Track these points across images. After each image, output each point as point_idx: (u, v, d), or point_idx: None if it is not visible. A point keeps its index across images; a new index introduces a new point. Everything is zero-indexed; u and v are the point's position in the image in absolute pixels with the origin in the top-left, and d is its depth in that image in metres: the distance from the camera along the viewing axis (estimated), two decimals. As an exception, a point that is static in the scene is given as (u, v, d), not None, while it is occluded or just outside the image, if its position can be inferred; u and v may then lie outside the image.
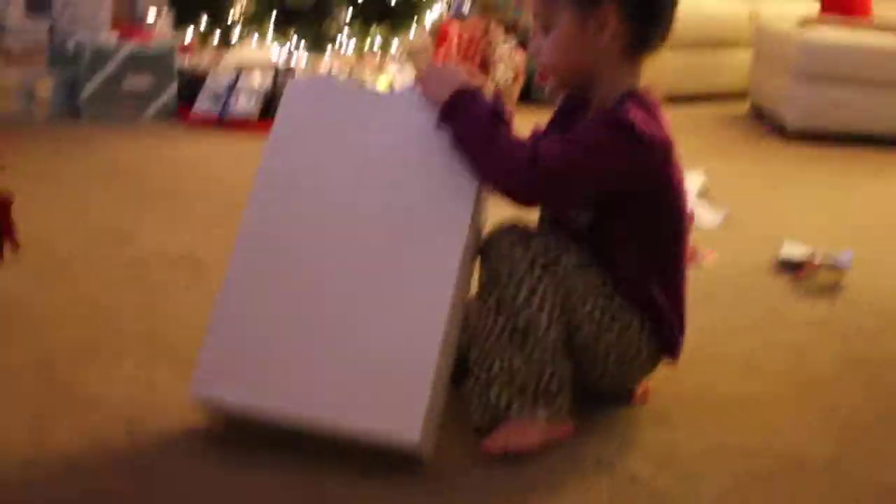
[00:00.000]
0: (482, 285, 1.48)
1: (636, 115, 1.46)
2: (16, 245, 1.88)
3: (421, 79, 1.51)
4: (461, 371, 1.53)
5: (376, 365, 1.39)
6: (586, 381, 1.57)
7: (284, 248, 1.47)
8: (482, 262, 1.48)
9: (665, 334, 1.58)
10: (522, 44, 4.80)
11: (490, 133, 1.42)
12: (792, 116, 4.33)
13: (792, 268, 2.40)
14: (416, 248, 1.43)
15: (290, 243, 1.47)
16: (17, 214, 2.12)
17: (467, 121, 1.43)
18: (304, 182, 1.49)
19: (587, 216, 1.54)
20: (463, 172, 1.45)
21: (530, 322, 1.44)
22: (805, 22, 4.55)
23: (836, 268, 2.37)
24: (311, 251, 1.46)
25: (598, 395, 1.62)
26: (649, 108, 1.50)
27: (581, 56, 1.52)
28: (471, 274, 1.50)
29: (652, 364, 1.60)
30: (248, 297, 1.45)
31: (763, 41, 4.86)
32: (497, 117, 1.44)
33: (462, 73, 1.49)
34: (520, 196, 1.46)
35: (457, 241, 1.42)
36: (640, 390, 1.65)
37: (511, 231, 1.47)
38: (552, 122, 1.68)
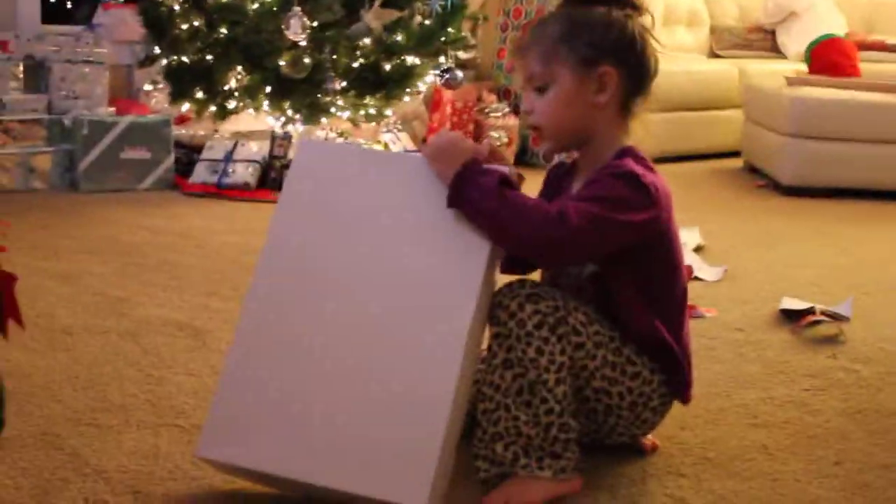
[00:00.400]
0: (491, 342, 1.48)
1: (637, 169, 1.49)
2: (21, 323, 1.89)
3: (427, 156, 1.49)
4: (469, 423, 1.53)
5: (385, 429, 1.37)
6: (600, 432, 1.58)
7: (293, 310, 1.46)
8: (490, 319, 1.48)
9: (675, 379, 1.59)
10: (515, 109, 4.87)
11: (507, 198, 1.41)
12: (785, 173, 4.38)
13: (792, 318, 2.41)
14: (426, 310, 1.42)
15: (299, 305, 1.46)
16: (18, 288, 2.12)
17: (480, 192, 1.42)
18: (314, 242, 1.48)
19: (591, 268, 1.56)
20: (474, 234, 1.44)
21: (538, 380, 1.44)
22: (793, 81, 4.61)
23: (836, 318, 2.38)
24: (320, 313, 1.44)
25: (608, 448, 1.62)
26: (645, 163, 1.53)
27: (578, 115, 1.55)
28: (482, 334, 1.51)
29: (664, 410, 1.61)
30: (256, 359, 1.44)
31: (753, 100, 4.93)
32: (506, 183, 1.44)
33: (463, 145, 1.48)
34: (550, 254, 1.46)
35: (468, 304, 1.41)
36: (648, 443, 1.66)
37: (520, 289, 1.47)
38: (541, 193, 1.70)
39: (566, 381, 1.46)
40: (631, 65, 1.55)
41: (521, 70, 1.59)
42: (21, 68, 4.11)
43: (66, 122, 3.92)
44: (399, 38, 3.97)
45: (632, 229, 1.47)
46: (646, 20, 1.57)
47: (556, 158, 1.74)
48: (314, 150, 1.60)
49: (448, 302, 1.41)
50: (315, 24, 3.77)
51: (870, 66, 5.36)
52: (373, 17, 3.85)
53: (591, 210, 1.43)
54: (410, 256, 1.45)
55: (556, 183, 1.69)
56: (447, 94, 4.71)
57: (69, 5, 5.27)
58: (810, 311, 2.40)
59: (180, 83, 3.97)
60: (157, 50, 4.01)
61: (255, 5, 3.82)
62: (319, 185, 1.52)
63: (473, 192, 1.42)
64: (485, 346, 1.53)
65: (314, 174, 1.53)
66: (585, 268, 1.57)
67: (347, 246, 1.47)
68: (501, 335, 1.46)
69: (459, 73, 4.11)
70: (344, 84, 3.94)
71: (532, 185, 1.68)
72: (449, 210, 1.45)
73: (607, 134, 1.57)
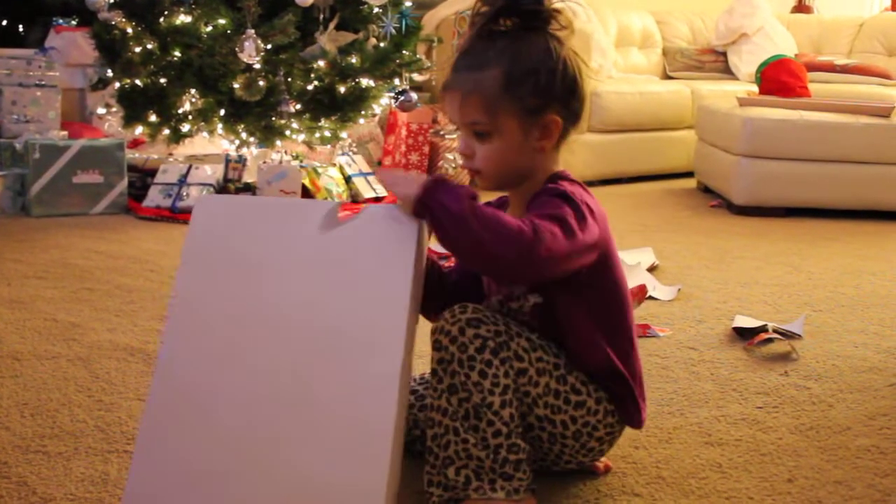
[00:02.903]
0: (434, 368, 1.47)
1: (575, 190, 1.49)
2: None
3: (386, 183, 1.46)
4: (420, 449, 1.52)
5: (325, 480, 1.32)
6: (546, 459, 1.58)
7: (208, 369, 1.38)
8: (433, 344, 1.46)
9: (626, 406, 1.59)
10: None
11: (481, 211, 1.36)
12: (737, 192, 4.43)
13: (745, 336, 2.43)
14: (351, 357, 1.36)
15: (213, 362, 1.39)
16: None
17: (453, 202, 1.35)
18: (223, 297, 1.41)
19: (533, 299, 1.55)
20: (392, 267, 1.38)
21: (483, 403, 1.43)
22: (744, 101, 4.67)
23: (788, 336, 2.40)
24: (237, 370, 1.37)
25: (561, 471, 1.62)
26: (578, 184, 1.53)
27: (521, 161, 1.52)
28: (411, 365, 1.47)
29: (610, 439, 1.60)
30: (172, 426, 1.36)
31: (705, 121, 4.99)
32: (474, 198, 1.39)
33: (419, 176, 1.43)
34: (524, 271, 1.40)
35: (396, 345, 1.36)
36: (601, 465, 1.66)
37: (461, 313, 1.46)
38: None
39: (512, 403, 1.45)
40: (572, 107, 1.53)
41: (457, 112, 1.51)
42: (-29, 92, 4.08)
43: (18, 146, 3.88)
44: (354, 60, 3.97)
45: (587, 247, 1.45)
46: (573, 39, 1.53)
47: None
48: (212, 204, 1.50)
49: (375, 346, 1.36)
50: (269, 46, 3.77)
51: (819, 86, 5.46)
52: (327, 40, 3.85)
53: (554, 228, 1.39)
54: (329, 305, 1.38)
55: None
56: (402, 117, 4.72)
57: (21, 28, 5.23)
58: (763, 329, 2.42)
59: (134, 106, 3.95)
60: (109, 73, 3.99)
61: (209, 28, 3.81)
62: (222, 238, 1.45)
63: (446, 201, 1.36)
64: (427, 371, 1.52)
65: (215, 228, 1.46)
66: (527, 301, 1.56)
67: (259, 298, 1.40)
68: (444, 360, 1.44)
69: (414, 96, 4.12)
70: (299, 107, 3.93)
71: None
72: (364, 253, 1.40)
73: (541, 168, 1.55)
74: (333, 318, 1.38)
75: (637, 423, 1.62)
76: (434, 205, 1.36)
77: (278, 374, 1.37)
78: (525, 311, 1.56)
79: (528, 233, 1.35)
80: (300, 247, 1.42)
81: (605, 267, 1.53)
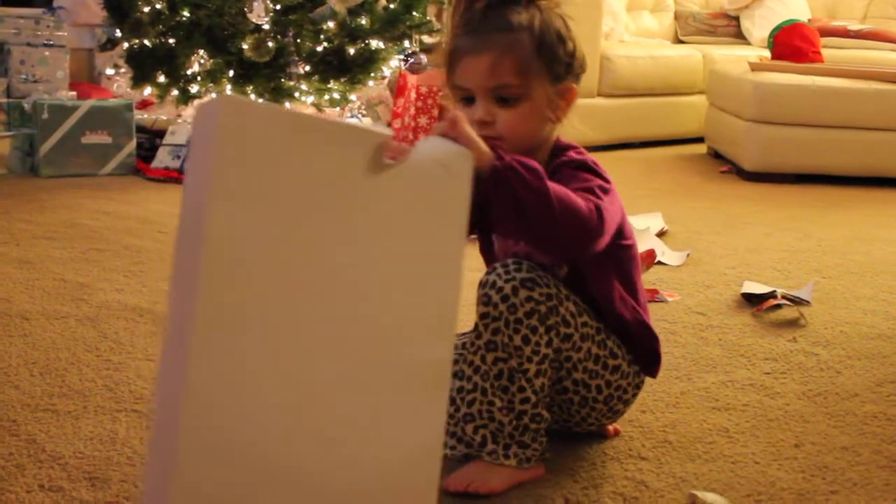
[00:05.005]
0: (478, 321, 1.43)
1: (591, 159, 1.49)
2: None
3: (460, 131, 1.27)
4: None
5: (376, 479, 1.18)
6: (570, 421, 1.59)
7: (250, 345, 1.08)
8: (481, 298, 1.42)
9: (648, 358, 1.59)
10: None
11: (555, 191, 1.30)
12: (748, 158, 4.41)
13: (753, 301, 2.43)
14: (403, 337, 1.17)
15: (255, 340, 1.09)
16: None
17: (527, 170, 1.29)
18: (263, 251, 1.07)
19: (563, 270, 1.53)
20: (445, 234, 1.19)
21: (519, 368, 1.43)
22: (756, 66, 4.63)
23: (797, 302, 2.39)
24: (283, 345, 1.10)
25: (569, 432, 1.62)
26: (581, 152, 1.53)
27: (542, 127, 1.50)
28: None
29: (633, 401, 1.62)
30: (216, 402, 1.06)
31: (717, 86, 4.95)
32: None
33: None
34: (583, 251, 1.39)
35: (450, 331, 1.20)
36: (610, 428, 1.66)
37: (516, 271, 1.42)
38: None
39: (546, 373, 1.45)
40: (580, 78, 1.53)
41: (484, 75, 1.43)
42: (-21, 51, 4.06)
43: (26, 106, 3.87)
44: (363, 21, 3.95)
45: (621, 213, 1.47)
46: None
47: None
48: (237, 110, 1.04)
49: (428, 328, 1.19)
50: (278, 7, 3.74)
51: (832, 51, 5.40)
52: (337, 1, 3.83)
53: (604, 205, 1.38)
54: (378, 273, 1.16)
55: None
56: (412, 79, 4.69)
57: (29, -13, 5.20)
58: (772, 295, 2.42)
59: (142, 67, 3.93)
60: (118, 33, 3.97)
61: (218, -12, 3.78)
62: (256, 164, 1.05)
63: (522, 167, 1.28)
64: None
65: (246, 149, 1.05)
66: (561, 271, 1.53)
67: (302, 254, 1.10)
68: (490, 316, 1.41)
69: (424, 58, 4.10)
70: (308, 68, 3.92)
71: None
72: (414, 210, 1.17)
73: (549, 139, 1.54)
74: (383, 289, 1.16)
75: (656, 372, 1.63)
76: (511, 173, 1.27)
77: (325, 355, 1.13)
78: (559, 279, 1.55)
79: (595, 216, 1.35)
80: (345, 192, 1.12)
81: (623, 225, 1.53)
